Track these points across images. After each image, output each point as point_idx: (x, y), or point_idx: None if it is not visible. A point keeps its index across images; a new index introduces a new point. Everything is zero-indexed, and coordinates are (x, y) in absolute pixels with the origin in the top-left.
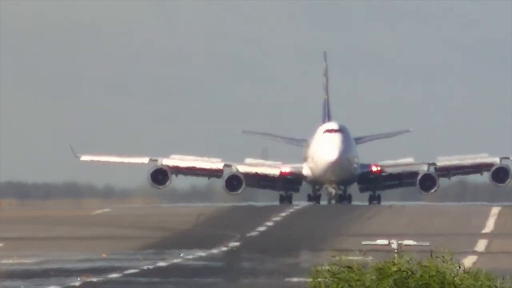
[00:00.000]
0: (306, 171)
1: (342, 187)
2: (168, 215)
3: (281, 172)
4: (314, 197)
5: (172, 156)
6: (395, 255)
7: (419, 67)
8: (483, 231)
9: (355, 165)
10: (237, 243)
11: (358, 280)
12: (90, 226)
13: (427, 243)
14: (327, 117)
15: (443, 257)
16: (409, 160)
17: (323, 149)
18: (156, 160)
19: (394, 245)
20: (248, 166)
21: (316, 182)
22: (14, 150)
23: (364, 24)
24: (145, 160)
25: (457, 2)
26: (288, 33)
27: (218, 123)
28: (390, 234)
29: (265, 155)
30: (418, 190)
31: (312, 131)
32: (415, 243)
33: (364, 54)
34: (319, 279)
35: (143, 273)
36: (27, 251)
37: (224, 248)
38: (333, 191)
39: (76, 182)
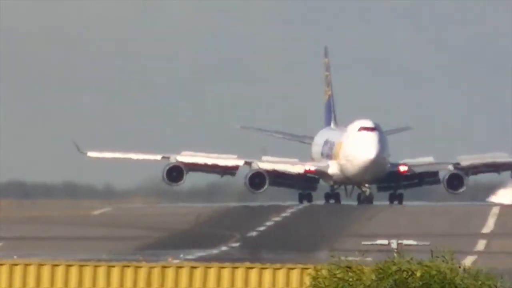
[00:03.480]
0: (332, 169)
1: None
2: (168, 215)
3: (305, 170)
4: (333, 195)
5: (184, 152)
6: (395, 255)
7: (422, 67)
8: (483, 231)
9: (388, 164)
10: (237, 243)
11: (357, 280)
12: (90, 226)
13: (427, 243)
14: (333, 113)
15: (443, 257)
16: (429, 159)
17: (360, 148)
18: (169, 157)
19: (394, 245)
20: (271, 163)
21: (344, 181)
22: (14, 150)
23: (362, 22)
24: (158, 157)
25: (459, 2)
26: (283, 32)
27: (215, 122)
28: (390, 234)
29: (264, 154)
30: (445, 189)
31: (313, 128)
32: (415, 243)
33: (363, 53)
34: (319, 279)
35: None
36: (27, 251)
37: (224, 248)
38: (367, 190)
39: (76, 182)
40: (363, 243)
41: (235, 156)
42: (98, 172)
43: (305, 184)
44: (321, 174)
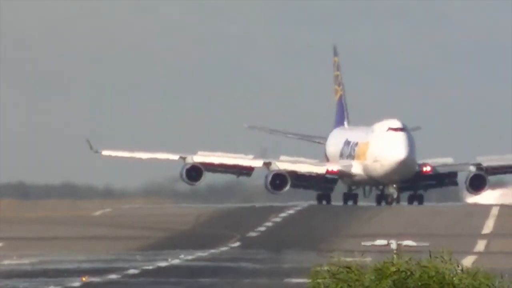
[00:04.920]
0: (356, 170)
1: (381, 187)
2: (168, 215)
3: (327, 170)
4: (351, 196)
5: (200, 152)
6: (394, 255)
7: (426, 67)
8: (483, 231)
9: (416, 165)
10: (237, 244)
11: (357, 280)
12: (90, 226)
13: (427, 244)
14: (345, 112)
15: (442, 257)
16: (449, 160)
17: (390, 149)
18: (185, 157)
19: (394, 245)
20: (290, 164)
21: (368, 182)
22: (14, 150)
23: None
24: (175, 156)
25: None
26: (290, 32)
27: (216, 122)
28: (389, 235)
29: (264, 154)
30: (467, 190)
31: (322, 127)
32: (414, 243)
33: (366, 53)
34: (318, 280)
35: (143, 273)
36: (27, 251)
37: (224, 248)
38: (394, 192)
39: (76, 183)
40: (362, 243)
41: (252, 156)
42: (99, 172)
43: (324, 184)
44: (343, 175)
